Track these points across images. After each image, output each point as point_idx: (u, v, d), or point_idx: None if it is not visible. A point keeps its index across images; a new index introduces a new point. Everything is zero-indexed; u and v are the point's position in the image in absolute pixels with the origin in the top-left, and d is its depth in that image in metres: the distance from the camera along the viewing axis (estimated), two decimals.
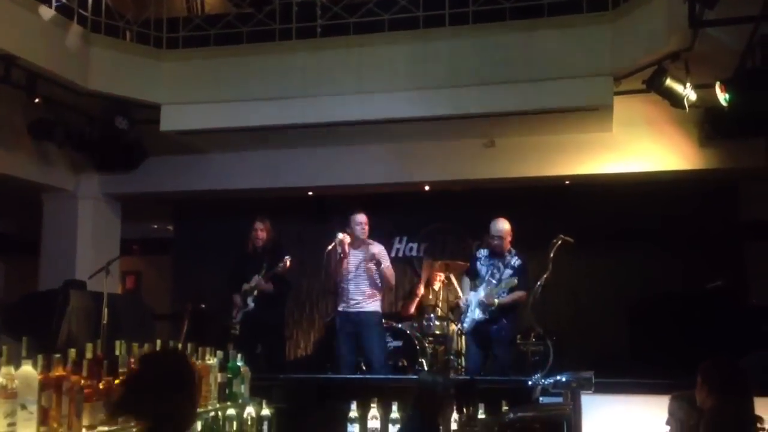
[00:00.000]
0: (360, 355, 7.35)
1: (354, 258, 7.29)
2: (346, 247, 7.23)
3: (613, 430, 4.93)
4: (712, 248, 8.96)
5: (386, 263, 7.33)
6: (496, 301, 6.87)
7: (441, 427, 4.28)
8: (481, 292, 6.98)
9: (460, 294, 7.78)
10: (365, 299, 7.25)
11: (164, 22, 8.51)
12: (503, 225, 7.09)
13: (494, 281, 6.95)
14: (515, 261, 6.99)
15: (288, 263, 7.50)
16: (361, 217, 7.30)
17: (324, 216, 9.79)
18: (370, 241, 7.40)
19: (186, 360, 2.94)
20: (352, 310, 7.23)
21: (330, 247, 7.30)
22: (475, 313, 6.99)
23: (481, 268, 7.13)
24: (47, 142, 8.35)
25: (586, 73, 7.47)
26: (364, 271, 7.25)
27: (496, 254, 7.08)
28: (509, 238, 7.09)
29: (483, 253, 7.23)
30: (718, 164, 8.36)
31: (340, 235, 7.24)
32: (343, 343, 7.27)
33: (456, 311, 8.18)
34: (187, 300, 9.01)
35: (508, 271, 6.94)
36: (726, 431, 3.54)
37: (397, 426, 5.00)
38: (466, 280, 7.52)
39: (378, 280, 7.30)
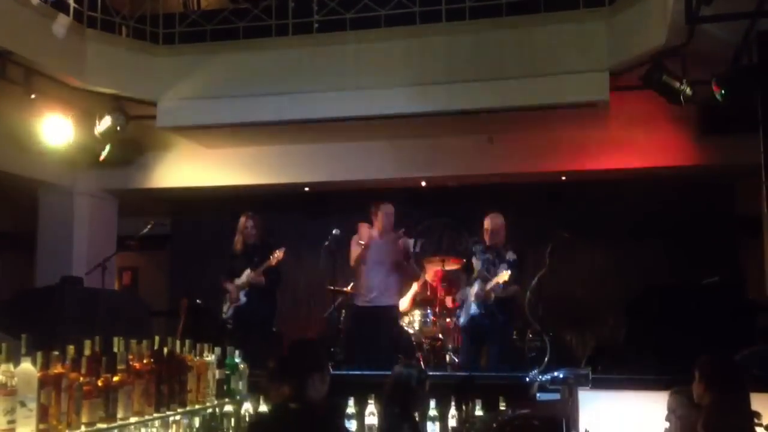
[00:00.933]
0: (374, 352, 7.27)
1: (377, 249, 7.11)
2: (365, 234, 7.05)
3: (611, 426, 4.94)
4: (708, 244, 8.98)
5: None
6: (494, 294, 6.88)
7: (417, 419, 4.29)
8: (476, 287, 6.99)
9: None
10: (384, 293, 7.10)
11: (160, 18, 8.50)
12: (497, 219, 7.11)
13: (490, 276, 6.97)
14: (510, 256, 7.00)
15: (282, 254, 7.49)
16: (391, 208, 7.17)
17: (320, 212, 9.77)
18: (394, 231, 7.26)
19: (322, 347, 4.02)
20: (371, 305, 7.07)
21: (326, 243, 7.27)
22: (471, 308, 7.00)
23: (477, 263, 7.14)
24: (43, 138, 8.32)
25: (582, 69, 7.48)
26: (388, 262, 7.10)
27: (492, 249, 7.09)
28: (503, 233, 7.10)
29: (479, 248, 7.24)
30: (713, 160, 8.38)
31: (336, 231, 7.19)
32: (360, 337, 7.18)
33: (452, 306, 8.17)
34: (183, 296, 9.00)
35: (504, 266, 6.95)
36: (724, 427, 3.56)
37: None
38: (463, 276, 7.52)
39: (399, 273, 7.16)
